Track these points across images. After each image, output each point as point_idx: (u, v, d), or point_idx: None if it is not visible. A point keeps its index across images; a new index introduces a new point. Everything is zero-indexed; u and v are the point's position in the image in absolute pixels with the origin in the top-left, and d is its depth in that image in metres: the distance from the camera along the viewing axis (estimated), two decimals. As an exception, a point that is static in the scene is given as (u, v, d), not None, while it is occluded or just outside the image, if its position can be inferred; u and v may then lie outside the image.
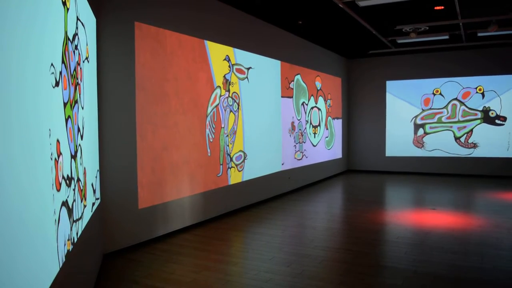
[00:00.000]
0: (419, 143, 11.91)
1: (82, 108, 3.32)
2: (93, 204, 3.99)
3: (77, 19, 3.29)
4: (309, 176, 10.10)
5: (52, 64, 2.29)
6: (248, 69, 7.41)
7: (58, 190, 2.35)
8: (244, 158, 7.35)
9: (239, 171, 7.23)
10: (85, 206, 3.38)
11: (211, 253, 4.96)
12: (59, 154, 2.40)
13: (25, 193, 1.79)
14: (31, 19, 1.94)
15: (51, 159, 2.21)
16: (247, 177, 7.46)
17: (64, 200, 2.51)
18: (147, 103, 5.24)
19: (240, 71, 7.21)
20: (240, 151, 7.24)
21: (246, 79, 7.38)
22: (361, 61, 12.63)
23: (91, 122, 3.92)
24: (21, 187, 1.74)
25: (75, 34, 3.13)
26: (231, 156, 7.02)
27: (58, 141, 2.37)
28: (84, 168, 3.36)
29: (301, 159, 9.47)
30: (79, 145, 3.13)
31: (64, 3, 2.69)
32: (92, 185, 3.91)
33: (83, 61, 3.51)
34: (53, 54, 2.34)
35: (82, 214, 3.22)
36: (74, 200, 2.85)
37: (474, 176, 11.25)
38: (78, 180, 3.03)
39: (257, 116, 7.74)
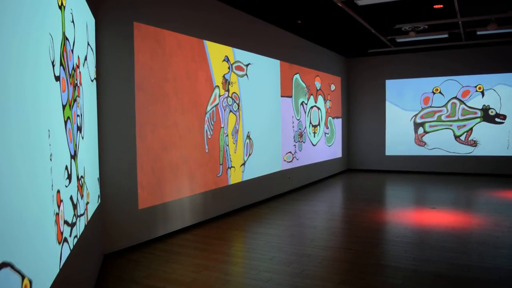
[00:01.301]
0: (420, 141, 11.92)
1: (78, 104, 3.32)
2: (99, 196, 4.03)
3: (88, 44, 3.36)
4: (309, 176, 10.10)
5: (52, 66, 2.28)
6: (247, 65, 7.39)
7: (60, 242, 2.38)
8: (250, 140, 7.49)
9: (250, 153, 7.52)
10: (87, 203, 3.40)
11: (211, 253, 4.96)
12: (60, 203, 2.41)
13: (25, 193, 1.79)
14: (29, 21, 1.94)
15: (50, 160, 2.21)
16: (247, 177, 7.46)
17: (65, 237, 2.57)
18: (146, 103, 5.23)
19: (239, 68, 7.20)
20: (246, 138, 7.38)
21: (246, 76, 7.37)
22: (361, 60, 12.62)
23: (91, 123, 3.92)
24: (20, 187, 1.74)
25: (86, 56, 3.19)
26: (244, 159, 7.24)
27: (58, 191, 2.38)
28: (84, 167, 3.36)
29: (291, 161, 9.15)
30: (81, 133, 3.13)
31: (60, 7, 2.68)
32: (98, 179, 3.95)
33: (92, 81, 3.57)
34: (52, 55, 2.34)
35: (84, 211, 3.23)
36: (72, 197, 2.85)
37: (474, 174, 11.25)
38: (78, 178, 3.04)
39: (256, 116, 7.74)
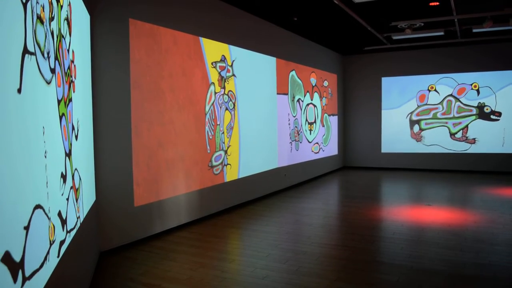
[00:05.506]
0: (417, 135, 11.93)
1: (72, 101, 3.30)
2: (94, 194, 3.98)
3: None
4: (305, 173, 10.11)
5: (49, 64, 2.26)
6: (231, 65, 7.09)
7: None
8: (224, 160, 6.88)
9: (216, 174, 6.68)
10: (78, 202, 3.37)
11: (207, 250, 4.95)
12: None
13: (22, 189, 1.78)
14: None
15: (45, 156, 2.20)
16: (243, 174, 7.45)
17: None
18: (142, 100, 5.21)
19: (221, 68, 7.00)
20: (221, 151, 6.81)
21: (234, 76, 7.15)
22: (357, 57, 12.62)
23: (86, 120, 3.89)
24: (18, 183, 1.73)
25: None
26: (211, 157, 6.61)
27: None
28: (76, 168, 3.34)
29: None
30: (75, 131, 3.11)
31: (57, 1, 2.66)
32: (93, 176, 3.89)
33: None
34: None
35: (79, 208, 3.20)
36: (68, 199, 2.83)
37: (469, 172, 11.30)
38: (73, 178, 3.02)
39: (252, 113, 7.72)
